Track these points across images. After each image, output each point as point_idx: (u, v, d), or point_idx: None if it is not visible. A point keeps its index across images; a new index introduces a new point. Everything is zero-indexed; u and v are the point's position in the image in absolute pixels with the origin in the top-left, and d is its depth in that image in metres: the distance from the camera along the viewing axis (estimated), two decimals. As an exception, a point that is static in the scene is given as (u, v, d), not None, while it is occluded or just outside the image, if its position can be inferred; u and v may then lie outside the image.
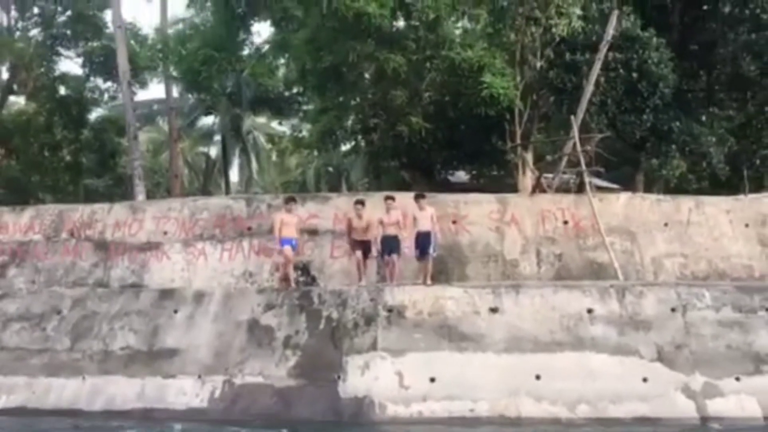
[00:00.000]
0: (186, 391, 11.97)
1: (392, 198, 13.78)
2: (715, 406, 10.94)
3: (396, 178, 21.99)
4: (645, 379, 11.25)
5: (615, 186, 22.07)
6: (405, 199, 14.20)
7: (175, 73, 25.12)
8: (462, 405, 11.05)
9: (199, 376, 12.12)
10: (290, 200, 14.08)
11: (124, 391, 12.16)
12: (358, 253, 13.62)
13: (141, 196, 21.76)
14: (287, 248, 13.40)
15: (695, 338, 11.72)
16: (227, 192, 33.63)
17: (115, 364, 12.63)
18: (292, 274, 13.58)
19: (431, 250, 13.20)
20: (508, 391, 11.15)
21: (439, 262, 13.96)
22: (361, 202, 13.91)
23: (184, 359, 12.45)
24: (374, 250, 13.62)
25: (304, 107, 28.24)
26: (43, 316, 13.69)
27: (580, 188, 16.03)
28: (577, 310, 12.04)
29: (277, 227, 13.58)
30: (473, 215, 15.06)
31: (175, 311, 13.24)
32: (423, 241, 13.26)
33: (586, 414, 10.90)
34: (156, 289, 14.27)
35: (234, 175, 40.47)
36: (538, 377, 11.27)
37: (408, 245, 13.69)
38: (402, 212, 13.63)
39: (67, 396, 12.32)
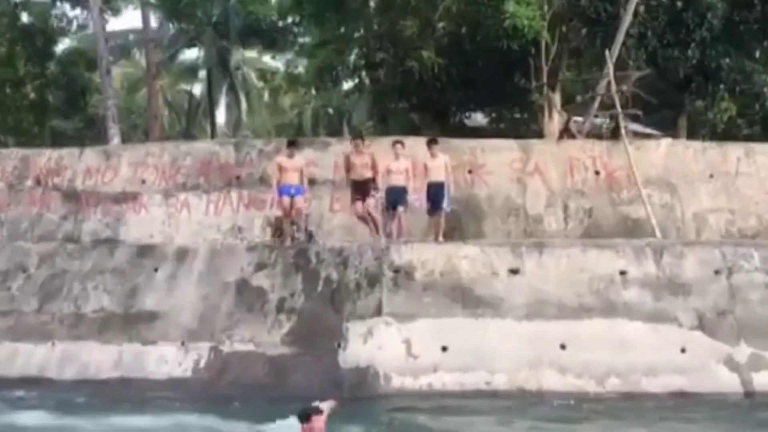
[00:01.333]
0: (167, 360, 12.08)
1: (401, 143, 13.68)
2: (762, 380, 10.99)
3: (404, 122, 21.83)
4: (683, 350, 11.29)
5: (654, 131, 21.88)
6: (415, 145, 14.10)
7: (153, -1, 24.85)
8: (477, 377, 11.13)
9: (182, 343, 12.21)
10: (292, 144, 13.90)
11: (98, 358, 12.28)
12: (358, 205, 13.40)
13: (115, 140, 21.70)
14: (285, 199, 13.35)
15: (741, 304, 11.71)
16: (213, 136, 33.49)
17: (88, 328, 12.72)
18: (289, 229, 13.53)
19: (444, 204, 13.16)
20: (528, 361, 11.21)
21: (453, 218, 13.93)
22: (360, 137, 14.04)
23: (166, 324, 12.53)
24: (373, 201, 13.38)
25: (300, 40, 27.95)
26: (8, 274, 13.77)
27: (614, 134, 15.90)
28: (608, 271, 12.01)
29: (276, 174, 13.49)
30: (492, 164, 14.96)
31: (155, 270, 13.28)
32: (435, 193, 13.20)
33: (616, 388, 10.97)
34: (133, 244, 14.30)
35: (221, 116, 40.27)
36: (563, 347, 11.32)
37: (418, 198, 13.62)
38: (411, 161, 13.53)
39: (36, 363, 12.46)
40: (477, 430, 9.61)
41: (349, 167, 13.66)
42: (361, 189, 13.46)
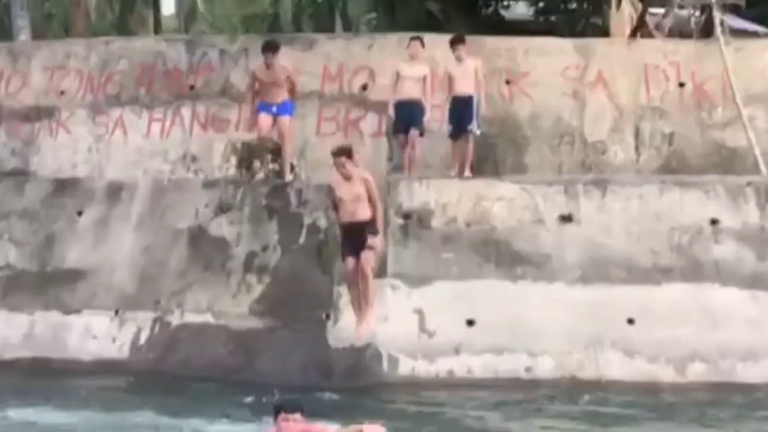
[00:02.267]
0: (96, 334, 12.19)
1: (420, 40, 13.49)
2: None
3: (418, 14, 21.58)
4: (795, 326, 11.35)
5: (761, 29, 21.62)
6: (432, 45, 13.85)
7: None
8: (514, 361, 11.23)
9: (117, 312, 12.31)
10: (270, 49, 13.59)
11: (3, 332, 12.40)
12: (350, 262, 11.18)
13: (24, 35, 21.48)
14: (264, 118, 13.14)
15: None
16: (157, 31, 33.24)
17: (-11, 291, 12.85)
18: (266, 160, 13.47)
19: (473, 126, 13.05)
20: (584, 341, 11.30)
21: (484, 144, 13.84)
22: (348, 153, 11.72)
23: (94, 286, 12.60)
24: (372, 255, 11.16)
25: None
26: None
27: (705, 31, 15.66)
28: (694, 220, 12.03)
29: (251, 88, 13.38)
30: (538, 72, 14.77)
31: (79, 213, 13.31)
32: (461, 110, 13.09)
33: (701, 376, 11.07)
34: (49, 178, 14.30)
35: (168, 5, 39.95)
36: (630, 321, 11.39)
37: (437, 117, 13.55)
38: (430, 67, 13.41)
39: None
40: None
41: (336, 204, 11.58)
42: (350, 241, 11.33)
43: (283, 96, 13.18)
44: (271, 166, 13.53)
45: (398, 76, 13.28)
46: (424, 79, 13.25)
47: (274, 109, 13.10)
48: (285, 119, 13.15)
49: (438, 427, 9.63)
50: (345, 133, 14.40)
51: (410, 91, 13.21)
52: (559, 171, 14.26)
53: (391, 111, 13.39)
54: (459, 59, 13.25)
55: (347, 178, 11.25)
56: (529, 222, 12.12)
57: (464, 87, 13.13)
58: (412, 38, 13.54)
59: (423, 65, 13.36)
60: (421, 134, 13.27)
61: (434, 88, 13.44)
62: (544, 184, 12.59)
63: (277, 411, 6.08)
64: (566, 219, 12.12)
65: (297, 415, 6.02)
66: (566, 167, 14.37)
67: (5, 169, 14.97)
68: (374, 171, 13.19)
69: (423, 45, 13.42)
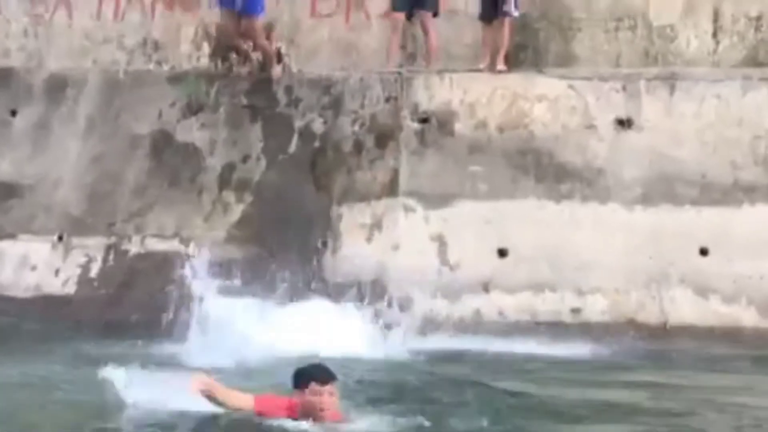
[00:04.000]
0: (35, 264, 12.25)
1: None
2: None
3: None
4: None
5: None
6: None
7: None
8: (558, 299, 11.31)
9: (60, 238, 12.35)
10: None
11: None
12: None
13: None
14: (225, 14, 13.09)
15: None
16: None
17: None
18: (242, 48, 13.41)
19: (510, 5, 12.95)
20: (647, 275, 11.33)
21: (522, 29, 13.79)
22: None
23: (32, 204, 12.66)
24: None
25: None
26: None
27: None
28: (787, 125, 12.00)
29: None
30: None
31: (13, 113, 13.37)
32: (493, -15, 13.08)
33: (791, 320, 11.11)
34: (-25, 70, 14.28)
35: None
36: (703, 252, 11.45)
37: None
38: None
39: None
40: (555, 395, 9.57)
41: None
42: None
43: None
44: (253, 54, 13.47)
45: None
46: None
47: (239, 2, 12.75)
48: (252, 21, 12.88)
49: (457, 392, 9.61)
50: (346, 13, 14.29)
51: None
52: (617, 63, 14.13)
53: None
54: None
55: None
56: (578, 127, 12.18)
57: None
58: None
59: None
60: (435, 14, 13.30)
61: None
62: (597, 79, 12.58)
63: (304, 379, 5.99)
64: (625, 124, 12.17)
65: (331, 387, 5.95)
66: (626, 59, 14.22)
67: None
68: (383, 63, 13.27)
69: None
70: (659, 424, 6.94)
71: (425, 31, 13.31)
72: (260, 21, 13.03)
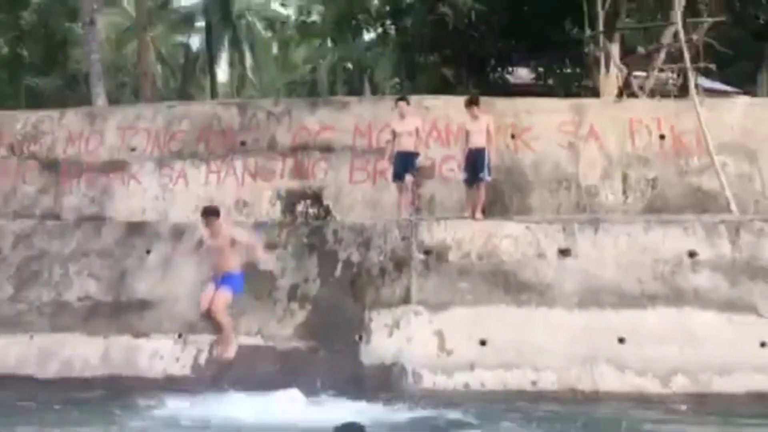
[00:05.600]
0: (162, 355, 12.16)
1: (405, 99, 13.88)
2: None
3: (435, 78, 21.72)
4: (764, 344, 11.20)
5: (730, 89, 21.60)
6: (447, 105, 14.13)
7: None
8: (521, 375, 11.15)
9: (180, 336, 12.30)
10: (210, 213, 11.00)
11: (83, 353, 12.35)
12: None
13: (100, 101, 21.75)
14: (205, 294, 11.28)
15: (833, 291, 11.61)
16: (213, 96, 33.55)
17: (72, 318, 12.81)
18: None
19: (484, 173, 13.05)
20: (581, 357, 11.21)
21: (493, 190, 13.86)
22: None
23: (160, 314, 12.61)
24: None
25: (315, -18, 27.82)
26: (-23, 257, 13.87)
27: (682, 91, 15.65)
28: (675, 253, 11.99)
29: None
30: (539, 127, 14.86)
31: (148, 252, 13.38)
32: (475, 160, 13.10)
33: (683, 388, 10.92)
34: (122, 222, 14.38)
35: (222, 73, 40.32)
36: (621, 340, 11.31)
37: (453, 167, 13.59)
38: (444, 122, 13.52)
39: (11, 359, 12.50)
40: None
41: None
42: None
43: (230, 263, 10.83)
44: (311, 210, 13.65)
45: (394, 133, 13.51)
46: (417, 131, 13.50)
47: (220, 280, 10.79)
48: (220, 293, 10.69)
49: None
50: (373, 180, 14.56)
51: (406, 143, 13.42)
52: (558, 212, 14.28)
53: (389, 161, 13.62)
54: (474, 116, 13.30)
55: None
56: (533, 256, 12.13)
57: (478, 140, 13.16)
58: (397, 99, 13.97)
59: (414, 118, 13.64)
60: (413, 175, 13.43)
61: (457, 140, 13.70)
62: (545, 223, 12.62)
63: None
64: (565, 253, 12.12)
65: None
66: (564, 208, 14.39)
67: (85, 215, 15.09)
68: (397, 213, 13.34)
69: (408, 103, 13.75)
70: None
71: (411, 188, 13.47)
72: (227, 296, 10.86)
